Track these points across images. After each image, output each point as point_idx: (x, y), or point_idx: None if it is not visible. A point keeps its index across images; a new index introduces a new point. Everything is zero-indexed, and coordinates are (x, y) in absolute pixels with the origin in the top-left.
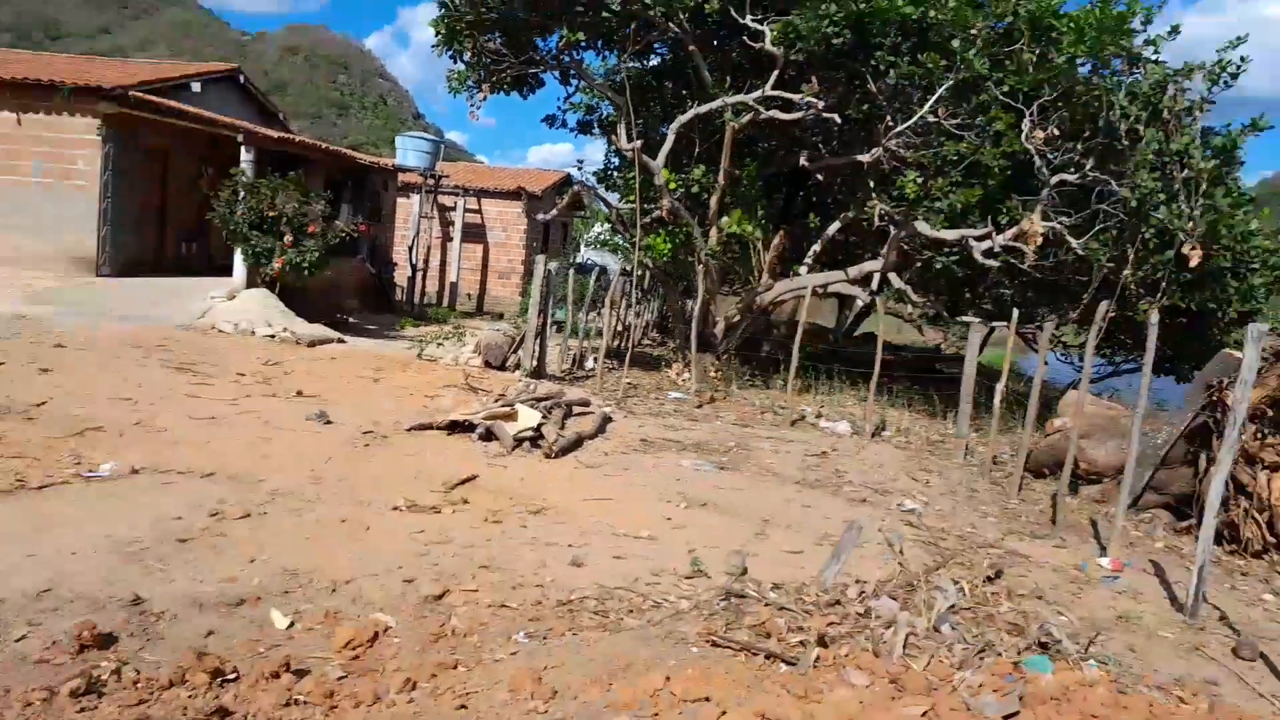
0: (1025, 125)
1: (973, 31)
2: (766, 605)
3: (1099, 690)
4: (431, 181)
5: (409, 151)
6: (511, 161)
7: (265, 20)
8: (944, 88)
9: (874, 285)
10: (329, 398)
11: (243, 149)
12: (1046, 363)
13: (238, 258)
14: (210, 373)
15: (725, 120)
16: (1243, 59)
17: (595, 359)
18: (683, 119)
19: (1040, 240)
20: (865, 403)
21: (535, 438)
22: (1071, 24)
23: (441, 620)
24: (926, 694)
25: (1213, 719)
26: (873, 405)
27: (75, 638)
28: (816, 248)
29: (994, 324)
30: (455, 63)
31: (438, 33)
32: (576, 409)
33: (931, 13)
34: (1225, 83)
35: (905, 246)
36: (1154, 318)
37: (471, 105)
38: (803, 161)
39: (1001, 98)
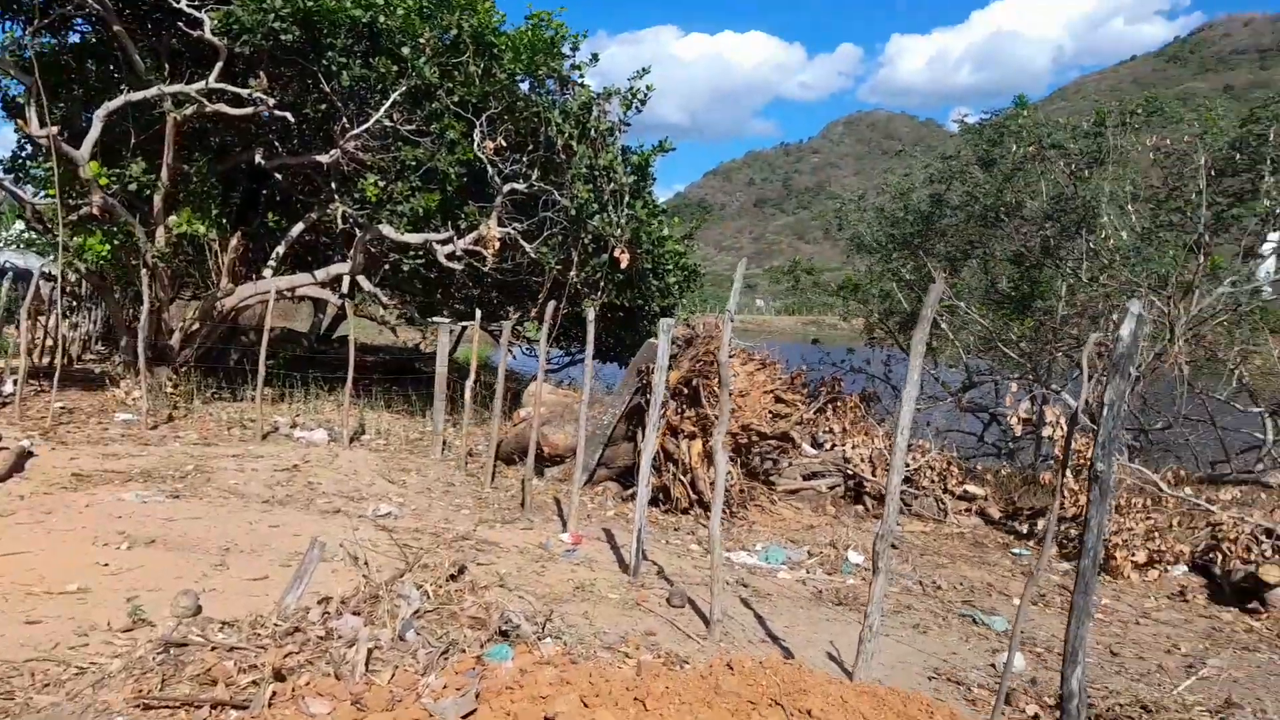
0: (477, 135)
1: (421, 40)
2: (214, 649)
3: (548, 670)
4: None
5: None
6: None
7: None
8: (397, 93)
9: (344, 288)
10: None
11: None
12: (515, 356)
13: None
14: None
15: (166, 111)
16: (649, 87)
17: (15, 381)
18: (111, 105)
19: (498, 245)
20: (343, 407)
21: None
22: (510, 42)
23: None
24: (390, 709)
25: (639, 679)
26: (350, 410)
27: None
28: (281, 249)
29: (464, 323)
30: None
31: None
32: None
33: (381, 18)
34: (637, 108)
35: (372, 249)
36: (590, 314)
37: None
38: (259, 160)
39: (453, 107)
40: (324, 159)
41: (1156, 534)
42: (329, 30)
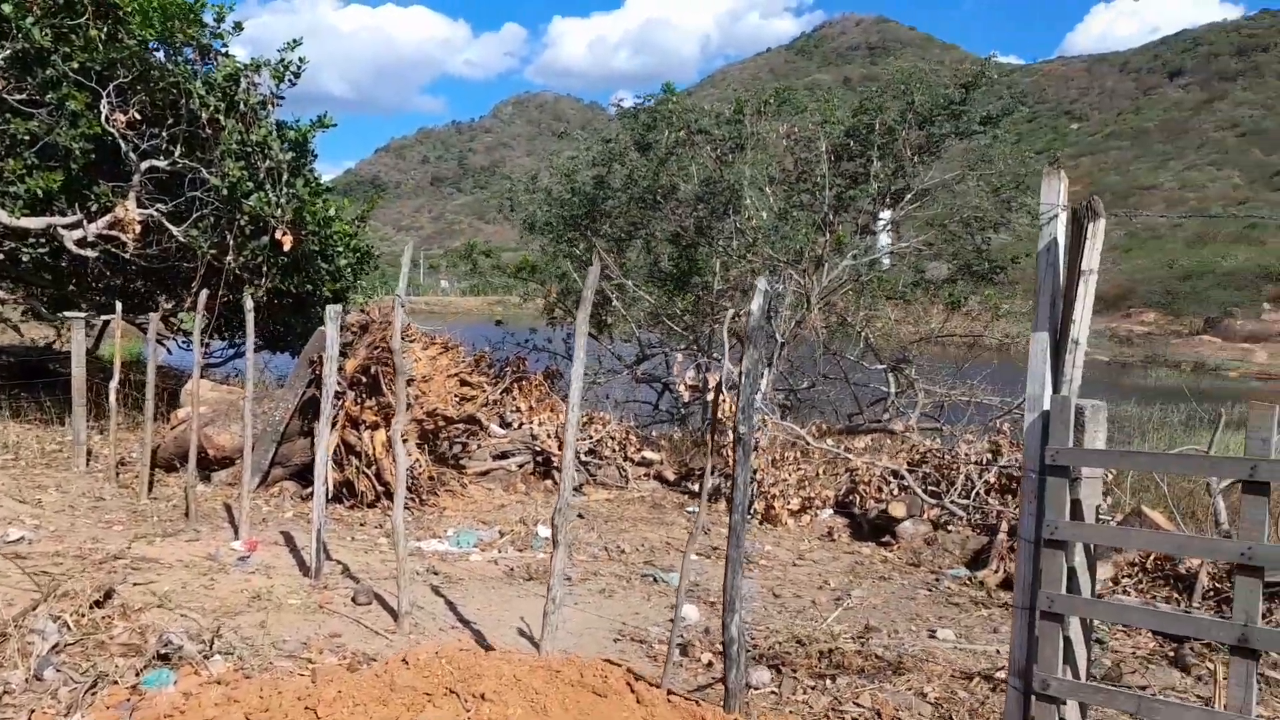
0: (104, 107)
1: None
2: None
3: (215, 690)
4: None
5: None
6: None
7: None
8: (1, 56)
9: None
10: None
11: None
12: (170, 352)
13: None
14: None
15: None
16: (301, 60)
17: None
18: None
19: (139, 228)
20: None
21: None
22: (138, 6)
23: None
24: None
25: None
26: None
27: None
28: None
29: (104, 316)
30: None
31: None
32: None
33: None
34: (290, 80)
35: None
36: (249, 303)
37: None
38: None
39: (73, 75)
40: None
41: (807, 483)
42: None
